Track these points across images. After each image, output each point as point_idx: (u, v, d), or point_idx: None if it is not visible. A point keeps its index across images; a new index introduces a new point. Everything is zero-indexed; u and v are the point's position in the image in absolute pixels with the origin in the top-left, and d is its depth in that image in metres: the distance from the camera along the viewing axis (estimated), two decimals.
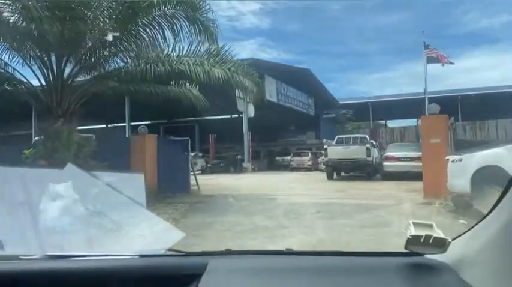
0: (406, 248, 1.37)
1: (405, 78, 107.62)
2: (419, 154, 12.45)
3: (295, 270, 1.40)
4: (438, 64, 28.64)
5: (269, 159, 42.11)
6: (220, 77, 11.11)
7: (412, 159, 14.79)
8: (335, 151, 17.34)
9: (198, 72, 10.91)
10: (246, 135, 27.89)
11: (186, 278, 1.36)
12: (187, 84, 13.11)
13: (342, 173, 18.40)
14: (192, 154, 29.27)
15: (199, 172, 26.46)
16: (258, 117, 41.46)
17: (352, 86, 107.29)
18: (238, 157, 29.12)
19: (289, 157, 36.52)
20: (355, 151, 16.77)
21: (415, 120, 55.09)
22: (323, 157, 28.95)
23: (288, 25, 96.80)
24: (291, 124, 42.04)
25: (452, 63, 28.99)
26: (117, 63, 12.07)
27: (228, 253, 1.59)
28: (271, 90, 30.58)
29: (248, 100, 27.33)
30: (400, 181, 14.54)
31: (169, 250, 1.63)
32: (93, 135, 12.25)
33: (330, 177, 17.88)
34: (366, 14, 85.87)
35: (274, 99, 31.15)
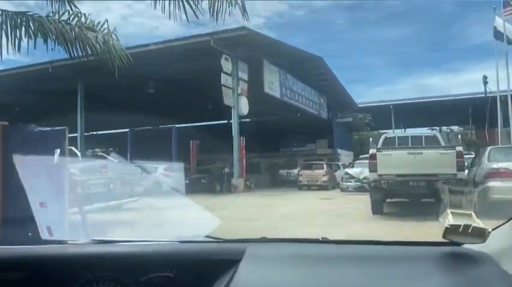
0: (444, 237, 1.37)
1: (410, 91, 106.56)
2: None
3: (332, 258, 1.41)
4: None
5: (271, 173, 34.21)
6: None
7: None
8: (394, 160, 8.85)
9: None
10: (237, 140, 19.96)
11: (224, 264, 1.40)
12: None
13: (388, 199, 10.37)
14: (160, 165, 21.59)
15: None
16: (256, 118, 33.60)
17: (357, 99, 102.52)
18: (225, 170, 21.08)
19: (296, 171, 28.50)
20: (435, 160, 8.44)
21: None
22: (346, 169, 21.01)
23: (292, 39, 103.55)
24: (298, 129, 34.07)
25: None
26: None
27: (265, 240, 1.63)
28: (272, 82, 22.77)
29: (239, 92, 19.54)
30: None
31: (207, 236, 1.70)
32: None
33: (377, 209, 9.43)
34: (370, 27, 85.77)
35: (276, 94, 23.30)
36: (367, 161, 22.91)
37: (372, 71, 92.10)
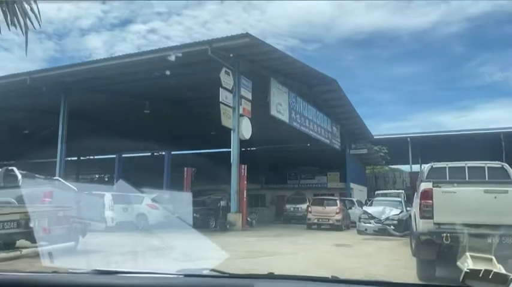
0: (463, 282, 1.43)
1: (420, 128, 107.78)
2: None
3: None
4: None
5: (277, 207, 31.05)
6: None
7: None
8: (463, 201, 5.63)
9: None
10: (236, 169, 16.94)
11: None
12: None
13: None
14: (147, 195, 18.60)
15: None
16: (261, 146, 30.69)
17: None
18: (221, 203, 17.96)
19: (304, 206, 25.32)
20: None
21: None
22: (365, 208, 17.80)
23: None
24: (307, 159, 31.07)
25: None
26: None
27: (273, 276, 1.57)
28: (280, 104, 19.98)
29: (241, 112, 16.74)
30: None
31: (213, 270, 1.66)
32: None
33: (427, 272, 6.16)
34: (381, 64, 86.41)
35: (285, 118, 20.47)
36: (388, 198, 20.04)
37: (382, 107, 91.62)
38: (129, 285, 1.47)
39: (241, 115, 16.91)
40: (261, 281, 1.45)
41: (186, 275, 1.53)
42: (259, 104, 18.58)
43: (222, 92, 15.76)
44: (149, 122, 24.51)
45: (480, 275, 1.41)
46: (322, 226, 19.73)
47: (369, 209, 16.81)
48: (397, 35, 79.43)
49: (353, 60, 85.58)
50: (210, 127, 23.65)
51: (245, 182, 18.48)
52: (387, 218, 16.03)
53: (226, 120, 16.02)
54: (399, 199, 18.72)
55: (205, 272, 1.62)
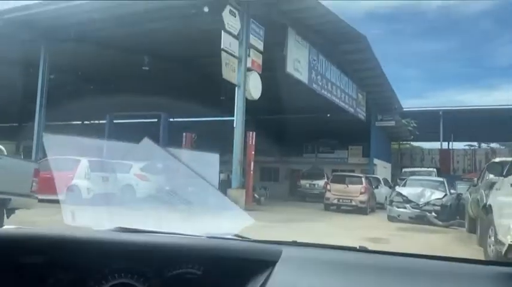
0: (505, 256, 1.14)
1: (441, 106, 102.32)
2: None
3: (370, 268, 1.33)
4: None
5: (291, 182, 28.05)
6: None
7: None
8: None
9: None
10: (240, 135, 13.73)
11: (257, 265, 1.34)
12: None
13: None
14: (136, 163, 15.70)
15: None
16: (275, 113, 27.33)
17: None
18: (220, 175, 14.89)
19: (321, 183, 22.28)
20: None
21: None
22: (398, 189, 14.50)
23: None
24: (327, 130, 27.66)
25: None
26: None
27: (300, 244, 1.54)
28: (298, 60, 16.60)
29: (249, 64, 13.45)
30: None
31: (236, 235, 1.62)
32: None
33: None
34: (405, 40, 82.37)
35: (303, 78, 17.13)
36: (427, 178, 16.69)
37: (403, 83, 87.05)
38: (153, 243, 1.45)
39: (249, 69, 13.61)
40: (288, 248, 1.43)
41: (209, 237, 1.52)
42: (272, 57, 15.25)
43: (224, 36, 12.43)
44: (147, 81, 21.45)
45: None
46: (342, 207, 16.67)
47: (404, 191, 13.55)
48: (422, 10, 74.83)
49: (375, 34, 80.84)
50: (218, 91, 20.44)
51: (253, 152, 15.41)
52: (427, 203, 12.79)
53: (229, 74, 12.72)
54: (440, 179, 15.40)
55: (228, 236, 1.58)
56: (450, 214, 12.66)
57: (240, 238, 1.58)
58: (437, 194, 13.13)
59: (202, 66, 20.31)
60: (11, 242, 1.46)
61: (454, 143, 36.29)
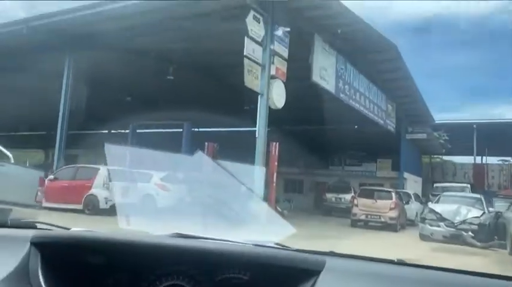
0: None
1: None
2: None
3: (410, 282, 1.36)
4: None
5: (316, 195, 27.26)
6: None
7: None
8: None
9: None
10: (262, 144, 13.17)
11: (302, 274, 1.38)
12: None
13: None
14: (156, 173, 15.32)
15: None
16: (301, 123, 26.66)
17: None
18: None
19: (348, 197, 21.46)
20: None
21: None
22: (431, 205, 13.56)
23: None
24: (354, 141, 26.78)
25: None
26: None
27: (342, 255, 1.57)
28: (325, 69, 15.98)
29: (273, 72, 12.95)
30: None
31: (278, 244, 1.66)
32: None
33: None
34: (435, 51, 79.53)
35: (330, 87, 16.50)
36: (461, 194, 15.65)
37: (435, 95, 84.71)
38: (203, 248, 1.51)
39: (273, 77, 13.06)
40: (331, 259, 1.46)
41: (255, 245, 1.56)
42: (297, 66, 14.69)
43: (247, 43, 11.94)
44: (172, 91, 21.23)
45: None
46: (370, 223, 15.81)
47: (437, 207, 12.62)
48: (455, 22, 72.75)
49: (405, 44, 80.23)
50: (243, 101, 19.99)
51: (276, 163, 14.78)
52: (463, 221, 11.83)
53: (252, 81, 12.20)
54: (477, 196, 14.36)
55: (271, 244, 1.63)
56: (489, 234, 11.67)
57: (283, 247, 1.62)
58: (474, 212, 12.16)
59: (227, 76, 19.92)
60: (79, 243, 1.58)
61: (487, 157, 34.71)
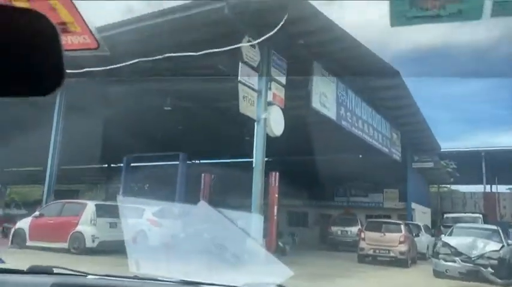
0: None
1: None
2: None
3: None
4: None
5: (321, 229, 26.13)
6: None
7: None
8: None
9: None
10: (260, 175, 12.31)
11: None
12: None
13: None
14: (149, 208, 14.46)
15: None
16: (303, 154, 25.78)
17: None
18: (238, 222, 13.51)
19: (355, 230, 20.41)
20: None
21: None
22: (445, 238, 12.55)
23: None
24: (359, 172, 25.85)
25: None
26: None
27: None
28: (325, 95, 15.36)
29: (270, 98, 12.31)
30: None
31: (279, 286, 1.74)
32: None
33: None
34: (435, 81, 77.91)
35: (331, 114, 15.84)
36: (476, 225, 14.63)
37: (434, 125, 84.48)
38: None
39: (270, 103, 12.39)
40: None
41: None
42: (296, 93, 14.08)
43: (242, 68, 11.31)
44: (168, 122, 20.60)
45: None
46: (378, 258, 14.73)
47: (451, 241, 11.61)
48: (455, 52, 73.39)
49: (404, 75, 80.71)
50: (241, 131, 19.31)
51: (276, 195, 13.93)
52: (481, 256, 10.80)
53: (247, 107, 11.50)
54: (494, 227, 13.33)
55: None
56: (510, 270, 10.62)
57: None
58: (493, 245, 11.14)
59: (226, 109, 19.36)
60: None
61: (498, 185, 33.64)
